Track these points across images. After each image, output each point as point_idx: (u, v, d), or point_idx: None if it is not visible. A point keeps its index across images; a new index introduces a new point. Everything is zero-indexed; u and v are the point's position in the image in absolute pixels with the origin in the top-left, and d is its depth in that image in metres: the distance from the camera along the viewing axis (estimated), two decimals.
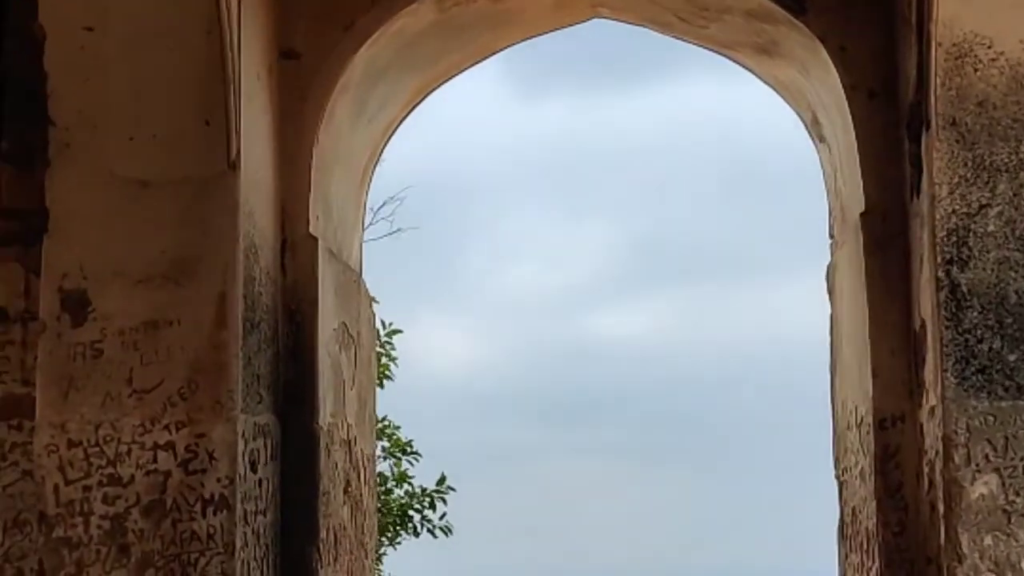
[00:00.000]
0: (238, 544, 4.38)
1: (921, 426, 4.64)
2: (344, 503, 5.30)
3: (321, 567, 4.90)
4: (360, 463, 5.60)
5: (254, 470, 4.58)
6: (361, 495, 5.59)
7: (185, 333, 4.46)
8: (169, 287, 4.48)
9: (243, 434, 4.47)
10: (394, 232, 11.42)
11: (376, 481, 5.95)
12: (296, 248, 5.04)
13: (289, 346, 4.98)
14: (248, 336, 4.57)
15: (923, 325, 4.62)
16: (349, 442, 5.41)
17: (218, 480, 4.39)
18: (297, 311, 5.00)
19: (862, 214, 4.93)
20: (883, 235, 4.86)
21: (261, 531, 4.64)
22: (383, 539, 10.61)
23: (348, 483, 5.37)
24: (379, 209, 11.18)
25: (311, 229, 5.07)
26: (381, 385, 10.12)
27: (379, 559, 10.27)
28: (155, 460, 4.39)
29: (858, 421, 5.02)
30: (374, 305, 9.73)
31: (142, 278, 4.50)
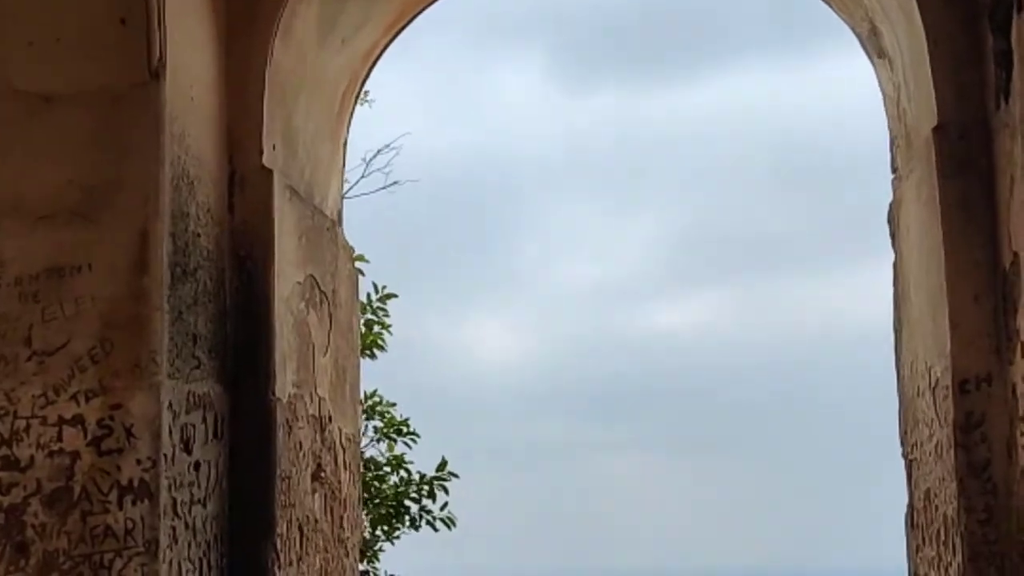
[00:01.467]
0: (163, 541, 3.53)
1: (1014, 387, 3.72)
2: (313, 491, 4.44)
3: (279, 568, 4.04)
4: (337, 444, 4.74)
5: (187, 450, 3.73)
6: (339, 482, 4.73)
7: (97, 281, 3.62)
8: (77, 224, 3.65)
9: (170, 405, 3.63)
10: (390, 185, 10.02)
11: (360, 466, 5.07)
12: (247, 183, 4.19)
13: (239, 301, 4.13)
14: (178, 285, 3.72)
15: (1015, 262, 3.70)
16: (321, 419, 4.55)
17: (138, 462, 3.55)
18: (248, 258, 4.15)
19: (935, 129, 4.00)
20: (962, 154, 3.94)
21: (198, 525, 3.79)
22: (378, 533, 9.58)
23: (320, 467, 4.51)
24: (372, 159, 9.86)
25: (265, 161, 4.21)
26: (371, 355, 9.12)
27: (374, 556, 9.31)
28: (60, 438, 3.56)
29: (932, 384, 4.10)
30: (361, 265, 8.71)
31: (44, 214, 3.67)
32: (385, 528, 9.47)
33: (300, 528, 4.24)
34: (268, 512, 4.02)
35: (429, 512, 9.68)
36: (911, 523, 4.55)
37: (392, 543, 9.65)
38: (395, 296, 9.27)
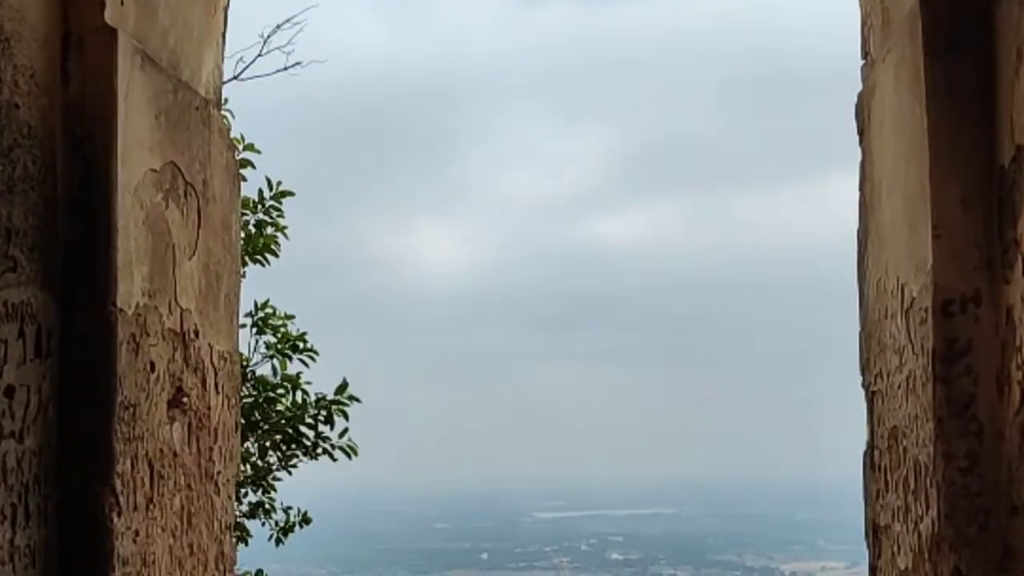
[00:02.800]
0: None
1: (1009, 310, 3.07)
2: (171, 420, 3.73)
3: (119, 514, 3.33)
4: (207, 364, 4.02)
5: None
6: (208, 408, 4.02)
7: None
8: None
9: None
10: (292, 67, 8.97)
11: (239, 388, 4.35)
12: (85, 45, 3.40)
13: (73, 190, 3.36)
14: None
15: (1018, 157, 3.03)
16: (183, 334, 3.82)
17: None
18: (86, 138, 3.38)
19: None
20: (954, 26, 3.25)
21: (10, 464, 3.07)
22: (271, 460, 8.84)
23: (180, 392, 3.79)
24: (271, 35, 8.81)
25: (108, 18, 3.42)
26: (261, 261, 8.32)
27: (269, 486, 8.61)
28: None
29: (905, 305, 3.44)
30: (249, 157, 7.78)
31: None
32: (280, 455, 8.73)
33: (150, 464, 3.53)
34: (105, 447, 3.30)
35: (327, 439, 8.90)
36: (870, 463, 3.94)
37: (289, 472, 8.93)
38: (291, 194, 8.37)
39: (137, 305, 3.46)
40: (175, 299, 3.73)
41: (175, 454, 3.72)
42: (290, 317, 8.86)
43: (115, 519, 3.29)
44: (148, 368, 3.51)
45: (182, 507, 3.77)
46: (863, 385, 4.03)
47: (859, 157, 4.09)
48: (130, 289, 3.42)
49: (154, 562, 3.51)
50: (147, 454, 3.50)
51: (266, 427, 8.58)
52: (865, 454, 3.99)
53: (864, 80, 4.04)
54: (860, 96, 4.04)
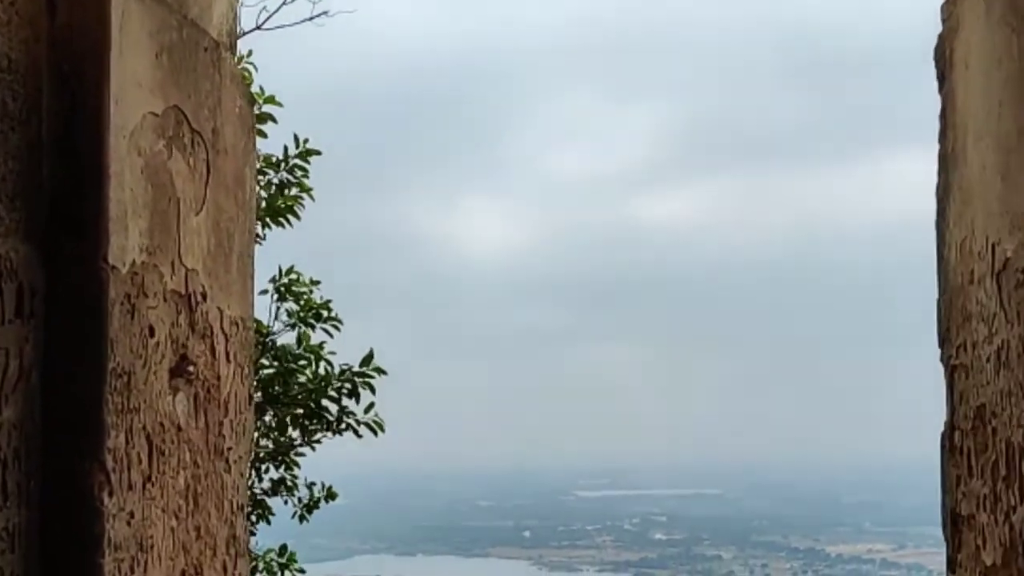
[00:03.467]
0: None
1: None
2: (174, 391, 3.38)
3: (110, 493, 2.99)
4: (216, 330, 3.67)
5: None
6: (217, 378, 3.67)
7: None
8: None
9: None
10: (318, 16, 8.55)
11: (251, 358, 4.00)
12: None
13: (57, 131, 3.01)
14: None
15: None
16: (188, 297, 3.47)
17: None
18: (75, 75, 3.03)
19: None
20: None
21: None
22: (294, 436, 8.42)
23: (185, 359, 3.44)
24: None
25: None
26: (281, 223, 7.86)
27: (292, 462, 8.22)
28: None
29: (997, 267, 3.03)
30: (268, 109, 7.25)
31: None
32: (307, 430, 8.34)
33: (149, 439, 3.18)
34: (94, 419, 2.95)
35: (351, 414, 8.46)
36: (950, 446, 3.53)
37: (312, 448, 8.52)
38: (317, 153, 7.74)
39: (133, 263, 3.11)
40: (179, 258, 3.38)
41: (179, 428, 3.38)
42: (316, 283, 8.36)
43: (106, 499, 2.94)
44: (146, 333, 3.16)
45: (187, 486, 3.43)
46: (942, 359, 3.62)
47: (937, 107, 3.68)
48: (124, 244, 3.06)
49: (152, 547, 3.17)
50: (144, 428, 3.16)
51: (286, 400, 8.18)
52: (944, 436, 3.59)
53: (945, 19, 3.62)
54: (940, 37, 3.62)
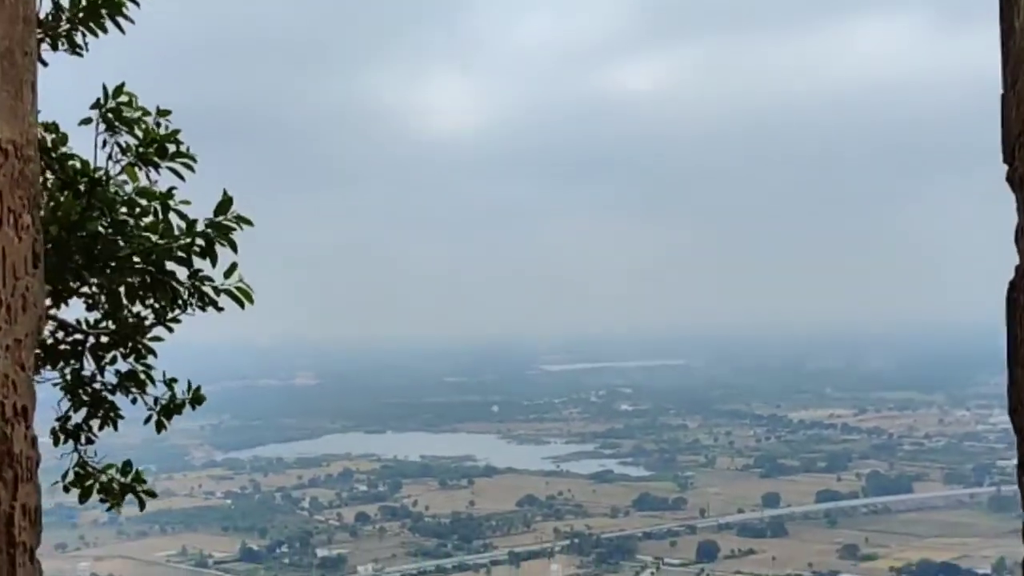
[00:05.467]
0: None
1: None
2: None
3: None
4: None
5: None
6: None
7: None
8: None
9: None
10: None
11: (35, 200, 3.17)
12: None
13: None
14: None
15: None
16: None
17: None
18: None
19: None
20: None
21: None
22: (143, 312, 6.40)
23: None
24: None
25: None
26: (94, 30, 6.26)
27: (145, 349, 6.57)
28: None
29: None
30: None
31: None
32: (153, 306, 6.38)
33: None
34: None
35: (207, 281, 6.32)
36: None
37: (169, 328, 6.59)
38: None
39: None
40: None
41: None
42: (164, 113, 6.37)
43: None
44: None
45: None
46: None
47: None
48: None
49: None
50: None
51: (117, 265, 6.17)
52: (1011, 291, 3.35)
53: None
54: None
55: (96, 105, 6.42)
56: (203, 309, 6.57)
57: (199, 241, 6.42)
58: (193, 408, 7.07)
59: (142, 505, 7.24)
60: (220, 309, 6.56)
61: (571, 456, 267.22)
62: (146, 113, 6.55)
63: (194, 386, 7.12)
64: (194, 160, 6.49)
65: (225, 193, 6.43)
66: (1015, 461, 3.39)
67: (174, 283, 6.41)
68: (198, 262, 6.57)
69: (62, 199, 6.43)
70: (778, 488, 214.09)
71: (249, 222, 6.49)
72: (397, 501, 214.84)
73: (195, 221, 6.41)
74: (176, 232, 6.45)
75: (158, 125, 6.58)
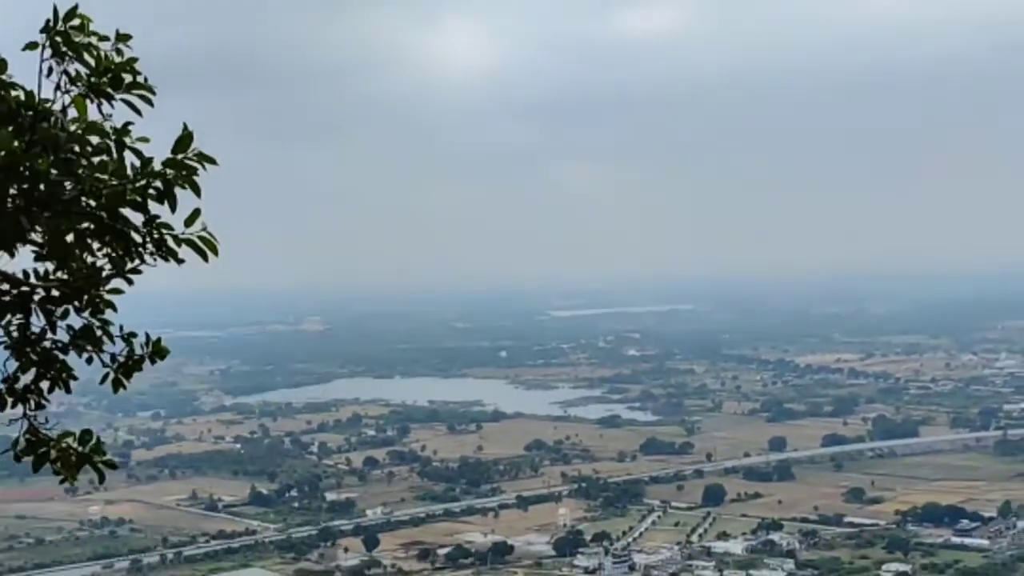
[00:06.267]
0: None
1: None
2: None
3: None
4: None
5: None
6: None
7: None
8: None
9: None
10: None
11: None
12: None
13: None
14: None
15: None
16: None
17: None
18: None
19: None
20: None
21: None
22: (99, 263, 5.78)
23: None
24: None
25: None
26: None
27: (99, 304, 5.92)
28: None
29: None
30: None
31: None
32: (111, 254, 5.73)
33: None
34: None
35: (165, 228, 5.63)
36: None
37: (129, 280, 5.91)
38: None
39: None
40: None
41: None
42: (124, 38, 5.66)
43: None
44: None
45: None
46: None
47: None
48: None
49: None
50: None
51: (63, 208, 5.53)
52: None
53: None
54: None
55: (45, 29, 5.71)
56: (164, 259, 5.83)
57: (156, 183, 5.67)
58: (153, 363, 6.36)
59: (101, 478, 6.62)
60: (180, 261, 5.84)
61: (579, 401, 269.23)
62: (102, 38, 5.77)
63: (153, 338, 6.42)
64: (152, 92, 5.75)
65: (185, 127, 5.66)
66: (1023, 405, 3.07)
67: (128, 230, 5.69)
68: (157, 208, 5.85)
69: (1, 133, 5.71)
70: (785, 432, 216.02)
71: (212, 161, 5.73)
72: (406, 445, 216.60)
73: (151, 159, 5.66)
74: (131, 173, 5.72)
75: (119, 52, 5.83)
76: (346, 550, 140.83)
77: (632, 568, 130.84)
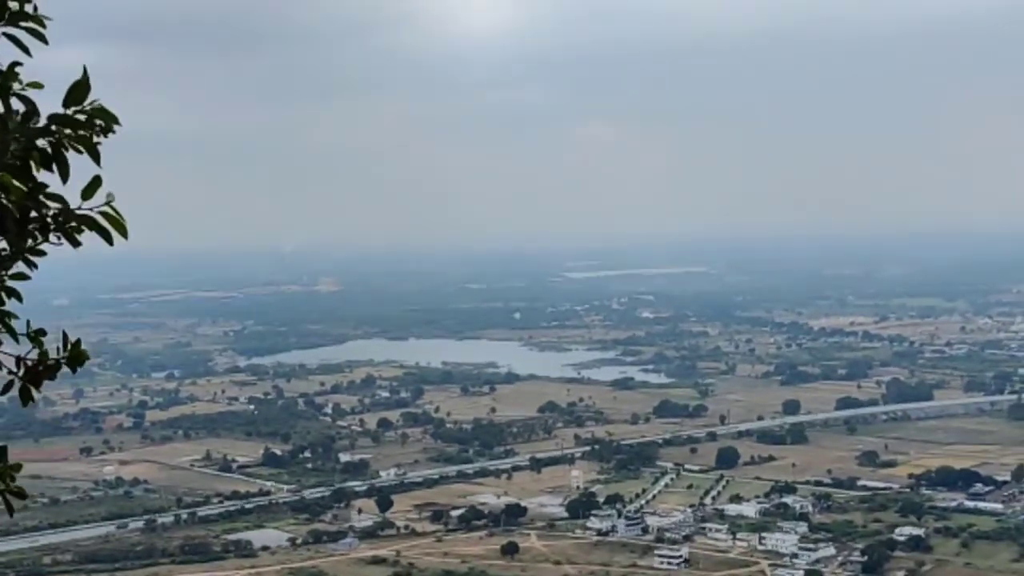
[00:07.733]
0: None
1: None
2: None
3: None
4: None
5: None
6: None
7: None
8: None
9: None
10: None
11: None
12: None
13: None
14: None
15: None
16: None
17: None
18: None
19: None
20: None
21: None
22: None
23: None
24: None
25: None
26: None
27: (7, 291, 4.75)
28: None
29: None
30: None
31: None
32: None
33: None
34: None
35: (54, 200, 4.52)
36: None
37: (31, 264, 4.80)
38: None
39: None
40: None
41: None
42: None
43: None
44: None
45: None
46: None
47: None
48: None
49: None
50: None
51: None
52: None
53: None
54: None
55: None
56: (58, 241, 4.69)
57: (39, 143, 4.39)
58: (73, 371, 5.16)
59: (10, 510, 5.29)
60: (77, 244, 4.69)
61: (592, 363, 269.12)
62: None
63: (72, 339, 5.11)
64: (43, 25, 4.49)
65: (85, 71, 4.41)
66: None
67: (4, 202, 4.43)
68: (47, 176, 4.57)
69: None
70: (798, 395, 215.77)
71: (114, 118, 4.51)
72: (419, 407, 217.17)
73: (33, 113, 4.42)
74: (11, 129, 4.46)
75: None
76: (360, 511, 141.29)
77: (645, 530, 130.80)
